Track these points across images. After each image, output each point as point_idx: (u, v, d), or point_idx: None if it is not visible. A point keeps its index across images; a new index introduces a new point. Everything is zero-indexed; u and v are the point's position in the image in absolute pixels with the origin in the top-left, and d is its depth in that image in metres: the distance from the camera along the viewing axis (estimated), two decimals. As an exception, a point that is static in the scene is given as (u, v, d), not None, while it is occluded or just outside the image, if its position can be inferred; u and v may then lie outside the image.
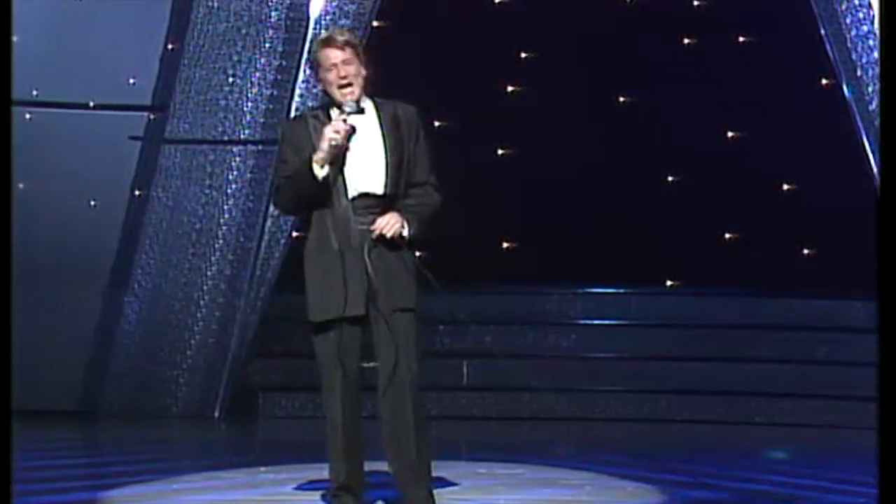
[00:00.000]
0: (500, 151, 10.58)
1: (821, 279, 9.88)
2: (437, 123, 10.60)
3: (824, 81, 9.93)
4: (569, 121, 10.20)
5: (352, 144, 5.37)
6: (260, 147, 10.05)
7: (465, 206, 10.43)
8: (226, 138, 10.03)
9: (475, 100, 10.43)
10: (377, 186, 5.39)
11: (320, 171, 5.31)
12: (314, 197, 5.37)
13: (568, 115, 10.21)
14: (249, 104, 10.02)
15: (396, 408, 5.38)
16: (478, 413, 9.71)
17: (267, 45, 10.01)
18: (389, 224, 5.33)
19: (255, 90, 10.01)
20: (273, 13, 10.01)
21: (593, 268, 10.10)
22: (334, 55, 5.40)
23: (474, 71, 10.55)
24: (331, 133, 5.28)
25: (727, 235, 10.38)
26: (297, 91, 10.01)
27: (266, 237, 10.04)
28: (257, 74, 10.00)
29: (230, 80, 9.99)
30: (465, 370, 10.00)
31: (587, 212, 10.16)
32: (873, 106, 9.30)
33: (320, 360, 5.39)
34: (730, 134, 10.40)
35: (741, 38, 10.36)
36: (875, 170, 9.29)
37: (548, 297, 10.31)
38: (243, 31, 10.00)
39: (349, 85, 5.37)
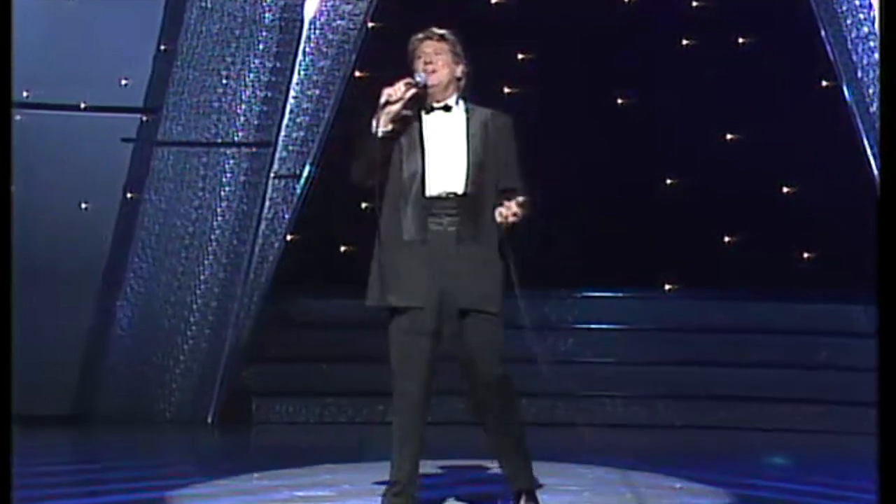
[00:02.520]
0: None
1: (821, 283, 9.89)
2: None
3: (824, 83, 9.93)
4: (567, 122, 10.20)
5: (435, 143, 5.47)
6: (254, 149, 10.04)
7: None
8: (219, 140, 10.02)
9: (472, 102, 10.39)
10: (457, 186, 5.44)
11: (376, 128, 5.39)
12: (373, 157, 5.40)
13: (566, 117, 10.21)
14: (243, 106, 10.01)
15: (487, 410, 5.48)
16: (473, 418, 9.68)
17: (261, 46, 10.00)
18: (517, 212, 5.35)
19: (248, 92, 10.01)
20: (267, 14, 10.00)
21: (591, 271, 10.10)
22: (427, 45, 5.58)
23: (471, 73, 10.53)
24: (387, 90, 5.40)
25: (726, 238, 10.38)
26: (292, 93, 10.00)
27: (260, 240, 10.03)
28: (251, 76, 9.99)
29: (224, 81, 9.98)
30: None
31: (585, 214, 10.16)
32: (874, 108, 9.31)
33: (391, 353, 5.51)
34: (729, 136, 10.40)
35: (741, 40, 10.37)
36: (876, 172, 9.30)
37: (544, 301, 10.30)
38: (237, 33, 9.99)
39: (434, 73, 5.50)
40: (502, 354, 5.52)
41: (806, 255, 10.24)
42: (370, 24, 10.08)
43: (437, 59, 5.55)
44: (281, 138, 10.04)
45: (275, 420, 9.98)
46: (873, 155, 9.34)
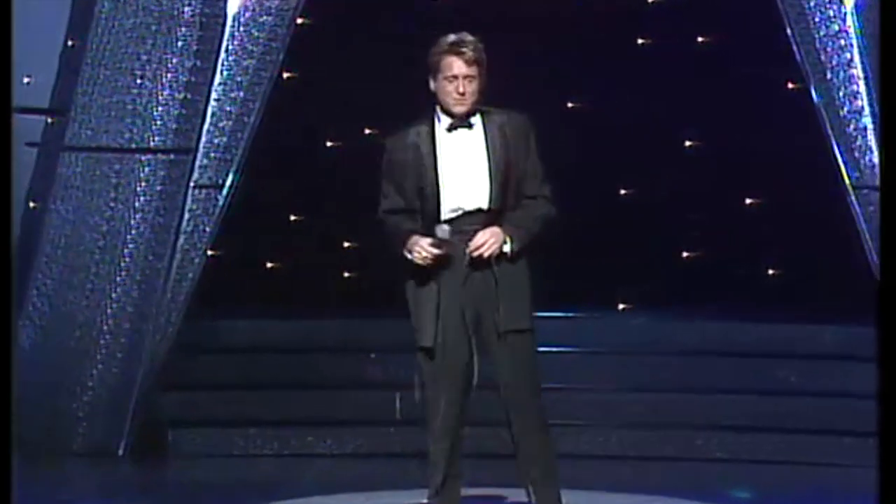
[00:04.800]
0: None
1: (788, 301, 9.87)
2: (367, 131, 10.54)
3: (791, 85, 9.93)
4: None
5: (456, 160, 5.69)
6: (172, 156, 9.90)
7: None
8: (133, 146, 9.87)
9: (410, 105, 10.34)
10: (481, 202, 5.65)
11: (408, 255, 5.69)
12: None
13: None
14: (160, 108, 9.89)
15: (522, 434, 5.75)
16: (410, 449, 9.63)
17: (179, 43, 9.89)
18: (487, 244, 5.59)
19: (166, 93, 9.88)
20: (186, 8, 9.90)
21: (538, 290, 10.02)
22: (458, 67, 5.72)
23: (409, 73, 10.46)
24: (418, 255, 5.64)
25: (685, 253, 10.37)
26: (214, 95, 9.91)
27: (178, 256, 9.91)
28: (169, 76, 9.87)
29: (138, 81, 9.84)
30: (397, 403, 9.94)
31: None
32: (844, 111, 9.36)
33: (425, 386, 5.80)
34: (688, 143, 10.40)
35: (700, 38, 10.37)
36: (847, 181, 9.33)
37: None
38: (153, 28, 9.86)
39: (463, 101, 5.69)
40: (538, 372, 5.79)
41: (771, 271, 10.26)
42: (299, 21, 9.99)
43: (468, 87, 5.72)
44: (202, 144, 9.93)
45: (194, 452, 9.83)
46: (844, 162, 9.38)
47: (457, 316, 5.62)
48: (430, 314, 5.65)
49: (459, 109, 5.71)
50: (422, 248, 5.60)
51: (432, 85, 5.84)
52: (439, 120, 5.81)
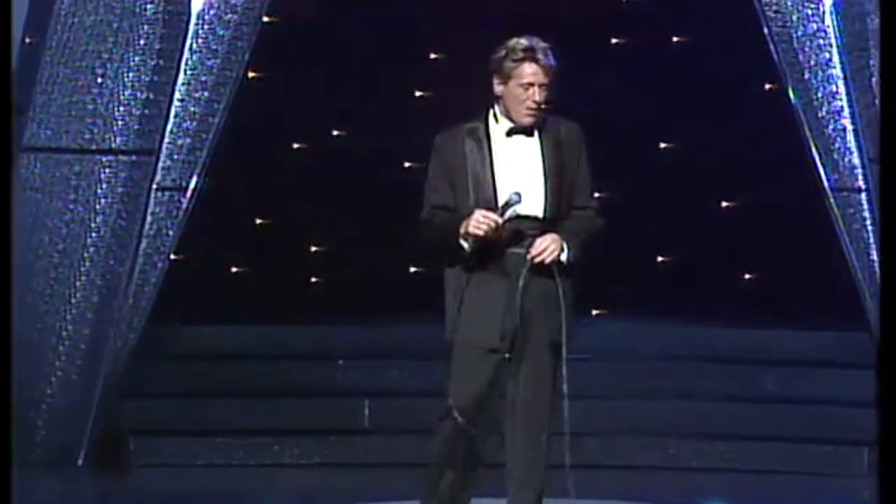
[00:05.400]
0: (406, 164, 10.47)
1: (764, 306, 9.85)
2: (334, 132, 10.51)
3: (768, 86, 9.95)
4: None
5: (511, 165, 5.71)
6: (134, 157, 9.84)
7: (365, 230, 10.37)
8: (94, 147, 9.80)
9: (378, 106, 10.34)
10: (536, 209, 5.66)
11: (466, 245, 5.64)
12: (458, 257, 5.68)
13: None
14: (121, 108, 9.82)
15: (527, 442, 5.81)
16: (381, 459, 9.60)
17: (142, 41, 9.83)
18: (548, 250, 5.61)
19: (128, 93, 9.81)
20: (149, 6, 9.84)
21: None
22: (536, 74, 5.75)
23: (377, 73, 10.46)
24: (473, 226, 5.58)
25: (660, 258, 10.36)
26: (177, 95, 9.86)
27: (140, 260, 9.86)
28: (131, 75, 9.80)
29: (99, 80, 9.77)
30: (366, 410, 9.91)
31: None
32: (822, 112, 9.39)
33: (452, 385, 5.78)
34: (662, 144, 10.40)
35: (675, 38, 10.37)
36: (825, 183, 9.37)
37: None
38: (115, 26, 9.79)
39: (537, 112, 5.73)
40: (558, 391, 5.85)
41: (747, 275, 10.25)
42: (265, 19, 9.94)
43: (543, 96, 5.76)
44: (165, 145, 9.88)
45: (156, 462, 9.75)
46: (822, 164, 9.41)
47: (498, 323, 5.69)
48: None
49: (530, 120, 5.75)
50: (482, 215, 5.59)
51: (499, 89, 5.84)
52: (496, 121, 5.83)
